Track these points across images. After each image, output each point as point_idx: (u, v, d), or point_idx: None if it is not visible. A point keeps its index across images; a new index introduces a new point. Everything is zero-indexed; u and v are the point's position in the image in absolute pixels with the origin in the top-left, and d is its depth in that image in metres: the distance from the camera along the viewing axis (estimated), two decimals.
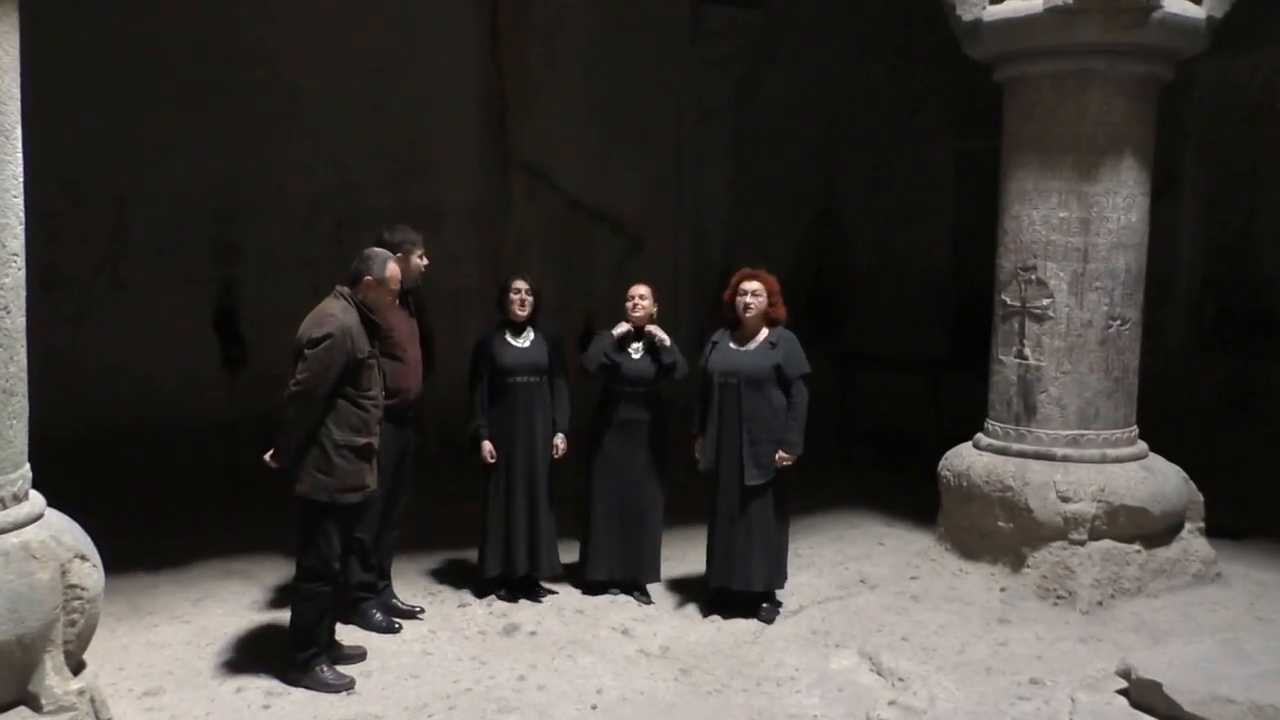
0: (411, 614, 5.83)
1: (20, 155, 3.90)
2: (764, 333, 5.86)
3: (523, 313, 6.01)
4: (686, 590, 6.28)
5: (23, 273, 3.91)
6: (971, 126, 10.25)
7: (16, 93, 3.91)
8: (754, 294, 5.83)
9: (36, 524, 3.93)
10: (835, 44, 10.98)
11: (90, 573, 4.07)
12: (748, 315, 5.84)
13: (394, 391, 5.42)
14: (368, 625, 5.60)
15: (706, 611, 5.98)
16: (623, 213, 10.30)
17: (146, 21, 8.03)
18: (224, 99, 8.38)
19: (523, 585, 6.15)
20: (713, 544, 5.98)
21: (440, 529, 7.02)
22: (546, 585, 6.25)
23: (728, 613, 5.92)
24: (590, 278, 10.08)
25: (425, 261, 5.79)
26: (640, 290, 6.13)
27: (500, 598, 6.08)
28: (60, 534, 4.01)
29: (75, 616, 3.99)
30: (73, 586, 3.96)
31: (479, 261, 9.52)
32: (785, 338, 5.85)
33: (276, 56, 8.55)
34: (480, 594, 6.14)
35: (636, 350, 6.11)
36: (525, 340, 6.03)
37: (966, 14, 6.54)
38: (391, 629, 5.60)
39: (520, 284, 6.03)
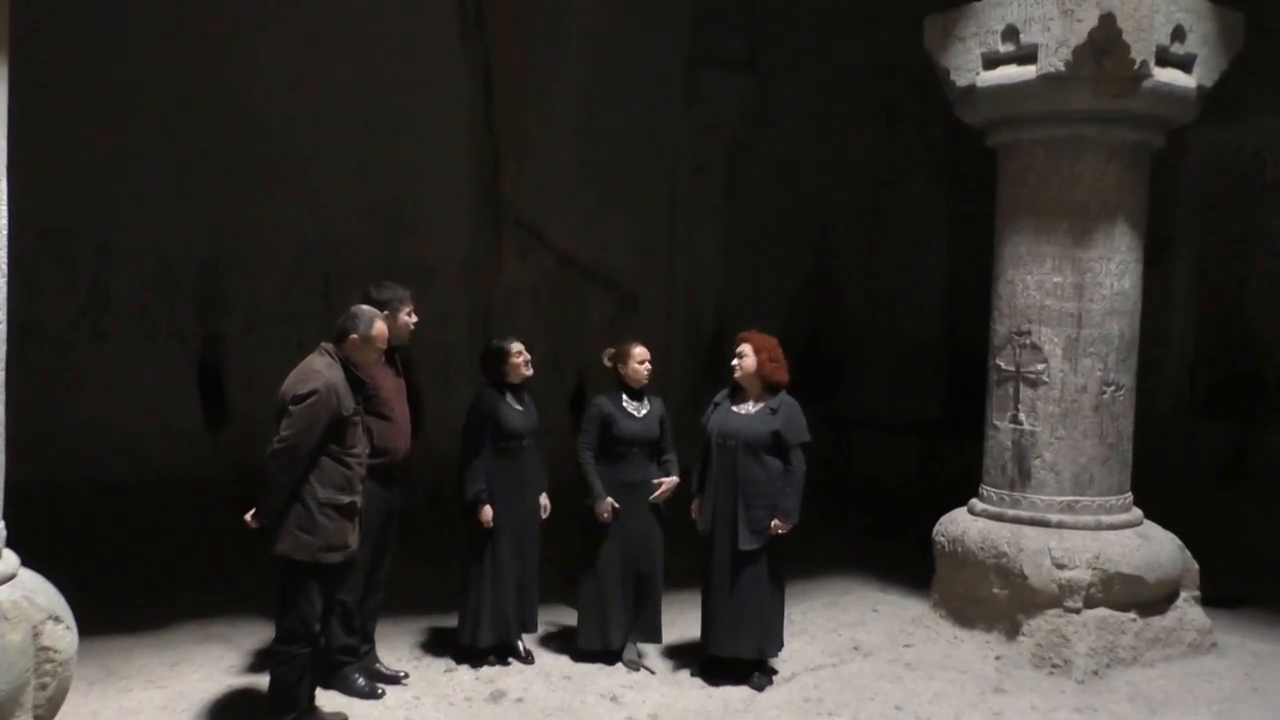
0: (395, 679, 5.70)
1: (5, 207, 3.86)
2: (766, 397, 5.81)
3: (529, 372, 5.99)
4: (677, 656, 6.18)
5: (3, 326, 3.85)
6: (965, 190, 10.29)
7: (4, 144, 3.88)
8: (740, 355, 5.82)
9: (9, 584, 3.86)
10: (829, 106, 11.06)
11: (63, 635, 3.98)
12: (736, 376, 5.84)
13: (381, 451, 5.36)
14: (349, 690, 5.46)
15: (698, 677, 5.87)
16: (615, 271, 10.29)
17: (132, 73, 8.02)
18: (211, 152, 8.37)
19: (510, 648, 6.04)
20: (707, 609, 5.88)
21: (427, 592, 6.90)
22: (528, 647, 6.16)
23: (719, 680, 5.81)
24: (582, 336, 10.04)
25: (414, 319, 5.74)
26: (647, 354, 6.09)
27: (490, 664, 5.94)
28: (33, 594, 3.93)
29: (46, 680, 3.90)
30: (45, 649, 3.88)
31: (468, 318, 9.49)
32: (788, 404, 5.79)
33: (265, 109, 8.55)
34: (466, 659, 5.99)
35: (639, 410, 6.05)
36: (521, 404, 5.99)
37: (960, 80, 6.58)
38: (374, 694, 5.47)
39: (518, 346, 6.01)
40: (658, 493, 6.02)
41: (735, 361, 5.82)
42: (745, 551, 5.66)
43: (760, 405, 5.79)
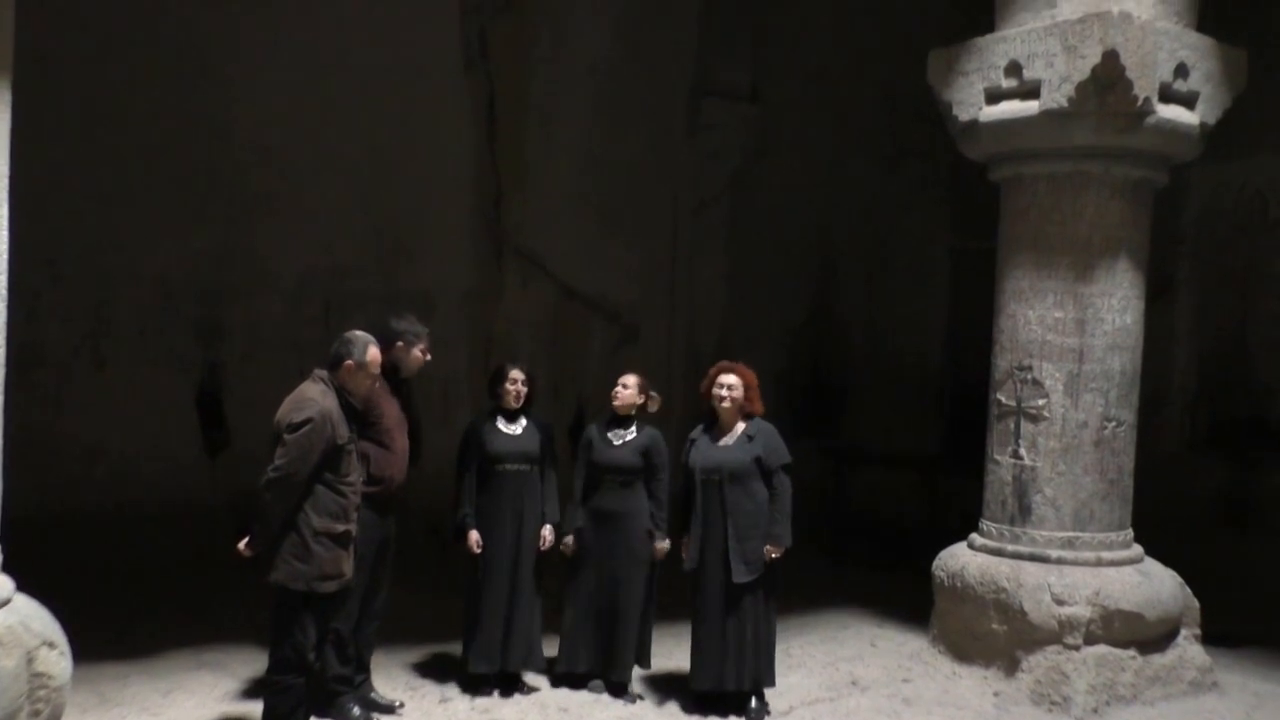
0: (390, 709, 5.65)
1: (6, 233, 3.87)
2: (740, 425, 5.78)
3: (517, 404, 5.95)
4: (670, 687, 6.11)
5: (3, 351, 3.85)
6: (967, 224, 10.33)
7: (6, 169, 3.89)
8: (730, 387, 5.75)
9: (4, 609, 3.84)
10: (832, 139, 11.12)
11: (58, 661, 3.96)
12: (724, 408, 5.77)
13: (378, 479, 5.34)
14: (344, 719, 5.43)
15: (690, 710, 5.81)
16: (617, 301, 10.31)
17: (135, 99, 8.05)
18: (213, 179, 8.39)
19: (506, 680, 5.98)
20: (697, 644, 5.82)
21: (423, 621, 6.86)
22: (529, 681, 6.08)
23: (714, 712, 5.75)
24: (583, 365, 10.05)
25: (428, 356, 5.72)
26: (625, 379, 6.06)
27: (485, 694, 5.90)
28: (28, 620, 3.90)
29: (40, 706, 3.87)
30: (39, 675, 3.85)
31: (469, 347, 9.48)
32: (763, 429, 5.77)
33: (267, 137, 8.56)
34: (463, 689, 5.96)
35: (619, 438, 6.01)
36: (517, 428, 5.95)
37: (963, 114, 6.60)
38: None
39: (516, 374, 5.96)
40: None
41: (725, 392, 5.75)
42: (739, 584, 5.62)
43: (738, 435, 5.76)
